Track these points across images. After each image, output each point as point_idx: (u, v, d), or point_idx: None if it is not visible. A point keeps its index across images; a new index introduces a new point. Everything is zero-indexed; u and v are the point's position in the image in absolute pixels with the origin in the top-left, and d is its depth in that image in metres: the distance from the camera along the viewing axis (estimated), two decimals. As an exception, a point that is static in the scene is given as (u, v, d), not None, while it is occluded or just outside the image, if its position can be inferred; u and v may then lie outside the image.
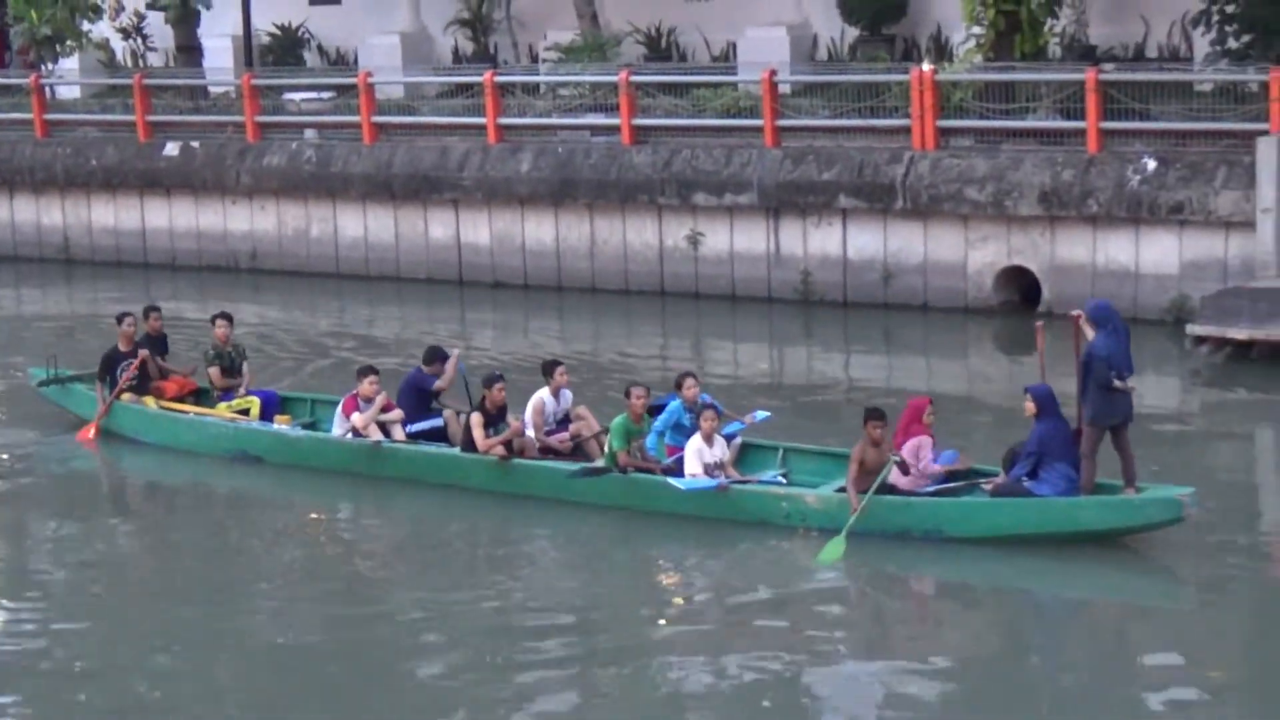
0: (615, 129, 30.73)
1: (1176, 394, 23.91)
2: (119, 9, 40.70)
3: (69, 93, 40.22)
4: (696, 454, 17.98)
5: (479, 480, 19.18)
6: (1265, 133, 25.67)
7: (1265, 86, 26.21)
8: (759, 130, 29.50)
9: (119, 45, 42.80)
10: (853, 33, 35.58)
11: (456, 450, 19.49)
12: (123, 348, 22.05)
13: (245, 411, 21.45)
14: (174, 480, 21.02)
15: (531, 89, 33.15)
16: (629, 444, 18.37)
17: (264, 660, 15.30)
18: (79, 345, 27.42)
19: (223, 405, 21.58)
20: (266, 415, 21.36)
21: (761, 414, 19.59)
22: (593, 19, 34.98)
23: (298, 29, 41.65)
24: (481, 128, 31.87)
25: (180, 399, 22.10)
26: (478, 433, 19.08)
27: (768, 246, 29.18)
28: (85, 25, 38.34)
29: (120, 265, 35.20)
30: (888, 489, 17.25)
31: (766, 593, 16.30)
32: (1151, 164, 26.39)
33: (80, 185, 35.89)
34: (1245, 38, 28.72)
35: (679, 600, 16.66)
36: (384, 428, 19.97)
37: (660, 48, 37.48)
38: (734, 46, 36.30)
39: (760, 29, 35.94)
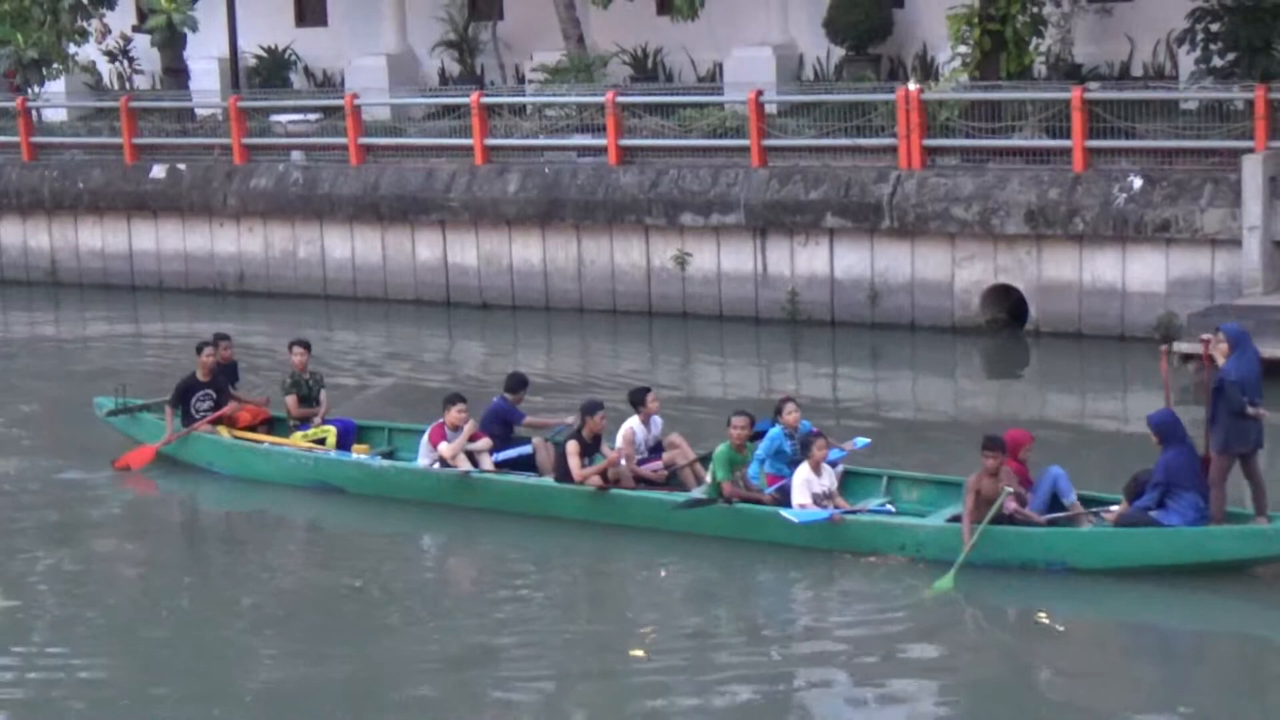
0: (602, 149, 30.76)
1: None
2: (105, 32, 40.69)
3: (55, 115, 40.21)
4: (805, 484, 17.45)
5: (574, 511, 18.52)
6: (1250, 150, 25.74)
7: (1250, 104, 26.28)
8: (745, 150, 29.54)
9: (105, 68, 42.81)
10: (839, 52, 35.66)
11: (549, 480, 18.86)
12: (201, 377, 21.33)
13: (321, 441, 20.84)
14: (251, 511, 20.30)
15: (518, 110, 33.18)
16: (732, 473, 17.78)
17: (364, 698, 14.72)
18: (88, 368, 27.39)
19: (298, 435, 20.99)
20: (344, 445, 20.78)
21: (861, 441, 19.02)
22: (579, 40, 35.03)
23: (284, 51, 41.68)
24: (468, 149, 31.90)
25: (253, 428, 21.48)
26: (574, 462, 18.44)
27: (755, 266, 29.21)
28: (71, 48, 38.33)
29: (107, 288, 35.17)
30: (1004, 519, 16.67)
31: (884, 627, 15.80)
32: (1137, 182, 26.45)
33: (67, 208, 35.87)
34: (1230, 56, 28.81)
35: (793, 633, 16.05)
36: (471, 457, 19.39)
37: (647, 68, 37.54)
38: (720, 67, 36.38)
39: (746, 49, 36.01)
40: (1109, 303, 26.67)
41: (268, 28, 41.34)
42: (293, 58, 41.76)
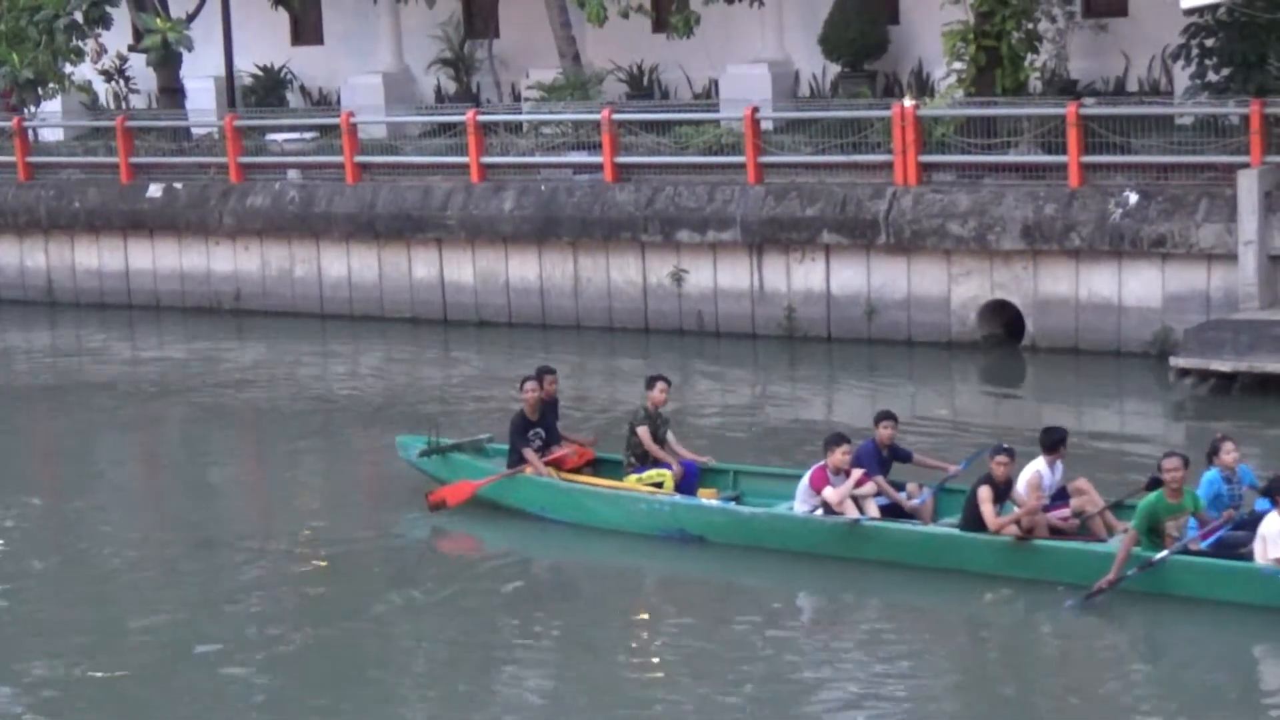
0: (598, 167, 30.76)
1: (1161, 426, 23.94)
2: (101, 52, 40.63)
3: (52, 135, 40.19)
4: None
5: (985, 564, 16.84)
6: (1246, 165, 25.76)
7: (1245, 119, 26.30)
8: (741, 167, 29.54)
9: (101, 88, 42.76)
10: (834, 69, 35.66)
11: (954, 529, 17.28)
12: (529, 415, 19.71)
13: (659, 485, 19.07)
14: (598, 562, 18.73)
15: (514, 128, 33.18)
16: (1162, 523, 16.08)
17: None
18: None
19: (632, 477, 19.27)
20: (685, 488, 19.08)
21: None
22: (575, 58, 35.03)
23: (280, 70, 41.67)
24: (464, 167, 31.90)
25: (577, 470, 19.84)
26: (987, 509, 16.80)
27: (751, 283, 29.21)
28: (68, 68, 38.28)
29: (104, 307, 35.14)
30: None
31: None
32: (1133, 197, 26.46)
33: (63, 227, 35.85)
34: (1225, 71, 28.81)
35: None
36: (856, 502, 17.84)
37: (642, 85, 37.54)
38: (716, 84, 36.39)
39: (742, 66, 36.02)
40: (1105, 318, 26.67)
41: (263, 47, 41.34)
42: (289, 76, 41.76)
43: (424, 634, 16.61)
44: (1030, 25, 29.98)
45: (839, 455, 17.74)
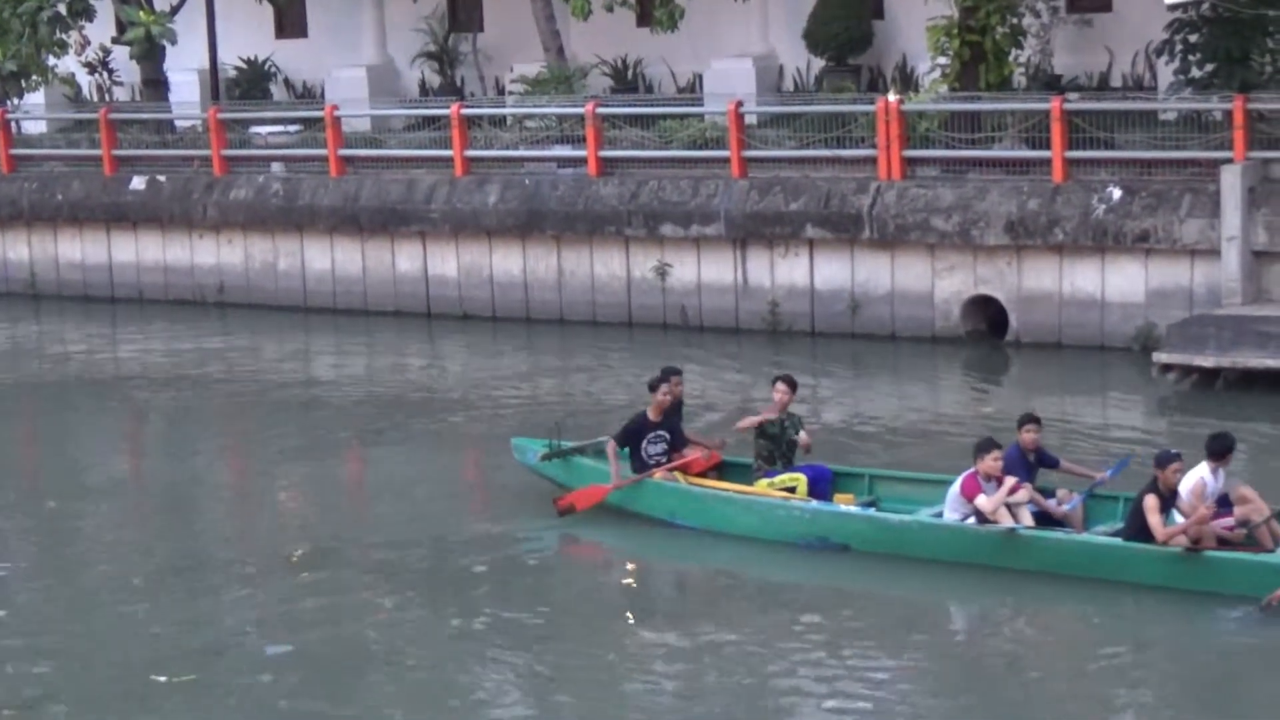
0: (582, 161, 30.75)
1: (1144, 422, 23.97)
2: (84, 44, 40.60)
3: (35, 127, 40.09)
4: None
5: (1155, 575, 16.19)
6: (1229, 161, 25.80)
7: (1229, 115, 26.34)
8: (726, 161, 29.55)
9: (85, 80, 42.70)
10: (818, 63, 35.65)
11: (1116, 540, 16.71)
12: (653, 417, 19.06)
13: (791, 489, 18.45)
14: (739, 572, 17.89)
15: (498, 121, 33.16)
16: None
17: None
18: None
19: (763, 482, 18.67)
20: (817, 493, 18.45)
21: None
22: (559, 51, 35.02)
23: (264, 62, 41.60)
24: (448, 160, 31.87)
25: (703, 474, 19.17)
26: (1155, 519, 16.24)
27: (735, 277, 29.22)
28: (51, 60, 38.22)
29: (87, 300, 35.10)
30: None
31: None
32: (1117, 193, 26.49)
33: (46, 220, 35.79)
34: (1208, 67, 28.85)
35: None
36: (1009, 511, 17.27)
37: (627, 79, 37.53)
38: (700, 78, 36.36)
39: (726, 60, 36.00)
40: (1088, 313, 26.71)
41: (247, 39, 41.25)
42: (272, 69, 41.68)
43: (553, 642, 16.10)
44: (1015, 20, 29.99)
45: (989, 462, 17.22)
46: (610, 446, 19.04)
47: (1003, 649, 15.82)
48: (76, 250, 35.66)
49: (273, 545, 19.17)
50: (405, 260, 32.03)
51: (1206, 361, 24.14)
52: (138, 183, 34.69)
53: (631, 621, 16.65)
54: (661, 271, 29.74)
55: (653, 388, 19.18)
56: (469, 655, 15.78)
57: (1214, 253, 25.63)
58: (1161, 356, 24.60)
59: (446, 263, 31.67)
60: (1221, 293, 25.52)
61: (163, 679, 15.30)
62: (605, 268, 30.29)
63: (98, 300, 35.05)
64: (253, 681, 15.16)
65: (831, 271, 28.49)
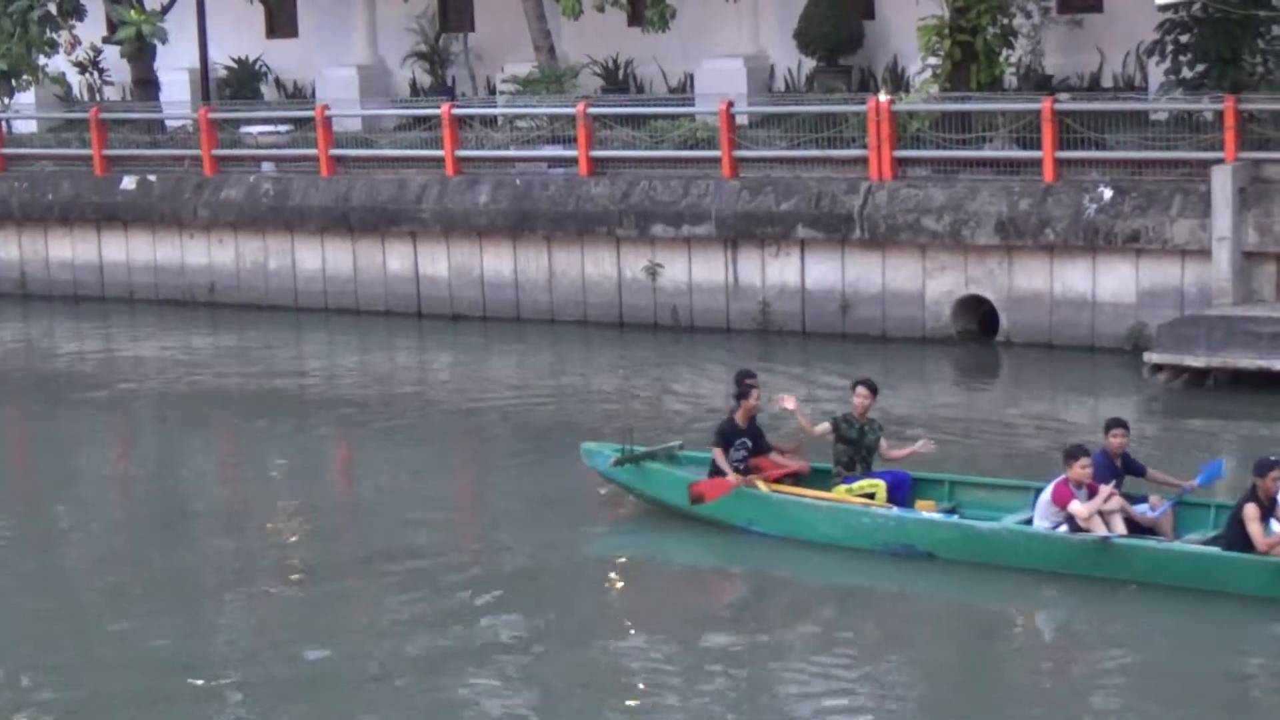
0: (573, 161, 30.75)
1: (1134, 421, 23.86)
2: (75, 43, 40.55)
3: (25, 127, 40.07)
4: None
5: (1255, 586, 15.75)
6: (1220, 161, 25.82)
7: (1220, 115, 26.36)
8: (716, 161, 29.55)
9: (75, 80, 42.69)
10: (809, 64, 35.69)
11: (1215, 548, 16.22)
12: (740, 422, 18.68)
13: (870, 495, 18.10)
14: (824, 579, 17.54)
15: (489, 121, 33.16)
16: None
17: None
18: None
19: (841, 488, 18.24)
20: (897, 499, 18.07)
21: None
22: (550, 51, 35.01)
23: (254, 62, 41.59)
24: (439, 160, 31.85)
25: (780, 480, 18.72)
26: (1255, 528, 15.81)
27: (726, 277, 29.22)
28: (41, 60, 38.19)
29: (78, 300, 35.08)
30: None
31: None
32: (1107, 193, 26.51)
33: (37, 220, 35.75)
34: (1199, 67, 28.89)
35: None
36: (1103, 518, 16.91)
37: (618, 79, 37.54)
38: (691, 78, 36.38)
39: (717, 60, 36.03)
40: (1079, 313, 26.73)
41: (238, 39, 41.26)
42: (263, 69, 41.67)
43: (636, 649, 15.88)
44: (1005, 21, 30.04)
45: (1079, 469, 16.81)
46: (717, 452, 18.56)
47: (1102, 663, 15.29)
48: (67, 250, 35.63)
49: (264, 552, 19.11)
50: (396, 260, 32.02)
51: (1197, 361, 24.16)
52: (128, 182, 34.66)
53: (708, 630, 16.25)
54: (652, 271, 29.73)
55: (741, 395, 18.70)
56: (509, 664, 15.51)
57: (1205, 253, 25.65)
58: (1152, 356, 24.62)
59: (437, 263, 31.66)
60: (1212, 293, 25.54)
61: (157, 688, 15.21)
62: (596, 268, 30.29)
63: (88, 300, 35.00)
64: (247, 694, 15.03)
65: (822, 272, 28.50)
